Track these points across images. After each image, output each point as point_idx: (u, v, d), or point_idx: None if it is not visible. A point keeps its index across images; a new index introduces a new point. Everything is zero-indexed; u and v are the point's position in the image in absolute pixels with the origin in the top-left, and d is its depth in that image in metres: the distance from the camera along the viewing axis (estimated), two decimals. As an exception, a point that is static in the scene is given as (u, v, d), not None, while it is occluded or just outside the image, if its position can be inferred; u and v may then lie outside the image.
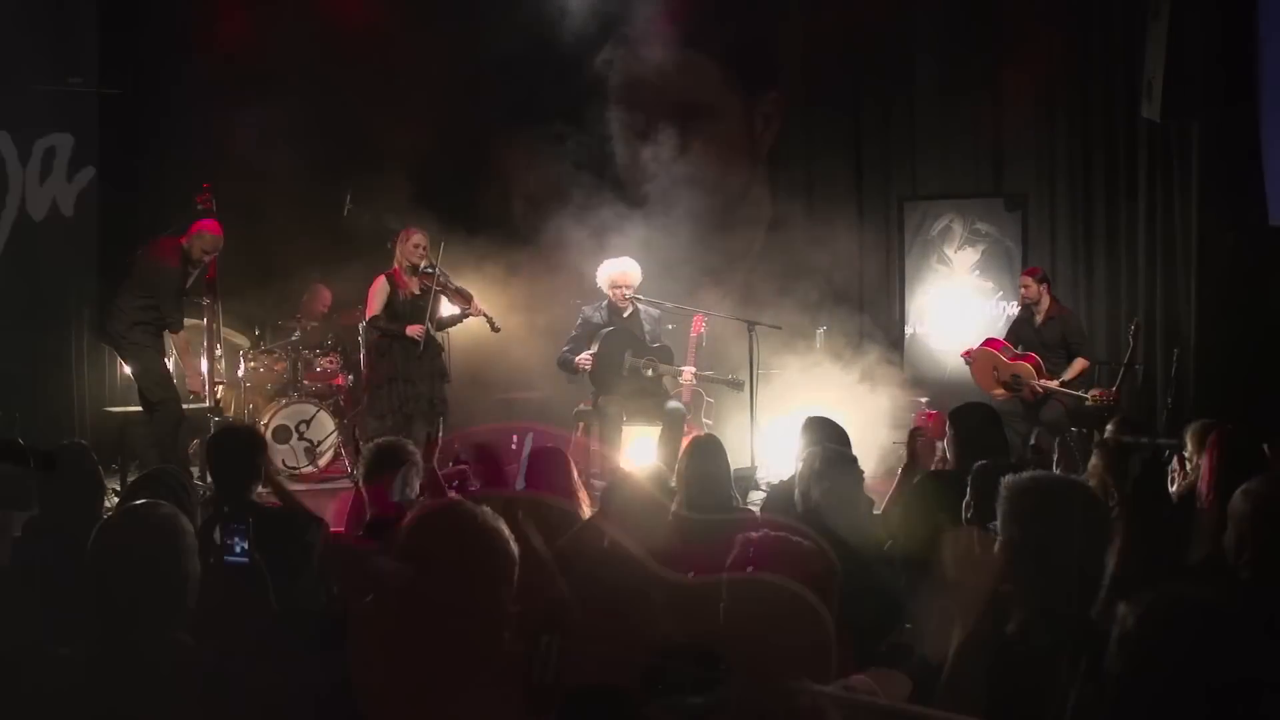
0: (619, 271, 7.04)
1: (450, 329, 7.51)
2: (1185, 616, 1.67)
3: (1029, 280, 7.72)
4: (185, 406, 7.78)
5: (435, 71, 8.29)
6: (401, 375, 7.01)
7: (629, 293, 7.06)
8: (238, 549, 2.41)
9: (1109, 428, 4.79)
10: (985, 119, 9.16)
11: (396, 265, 7.12)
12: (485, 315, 7.10)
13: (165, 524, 2.33)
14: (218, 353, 7.29)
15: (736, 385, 7.12)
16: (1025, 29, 8.92)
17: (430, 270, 7.04)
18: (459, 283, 7.29)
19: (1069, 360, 7.49)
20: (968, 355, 7.77)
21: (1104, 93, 8.52)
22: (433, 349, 7.15)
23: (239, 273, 8.05)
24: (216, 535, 2.46)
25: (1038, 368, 7.28)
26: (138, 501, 2.74)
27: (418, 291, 7.04)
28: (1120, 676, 1.68)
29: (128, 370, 7.02)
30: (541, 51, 8.39)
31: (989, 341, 7.76)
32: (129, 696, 2.15)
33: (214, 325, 7.24)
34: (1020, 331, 7.74)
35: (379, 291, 7.04)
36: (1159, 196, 8.22)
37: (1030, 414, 7.33)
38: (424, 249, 7.07)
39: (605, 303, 7.15)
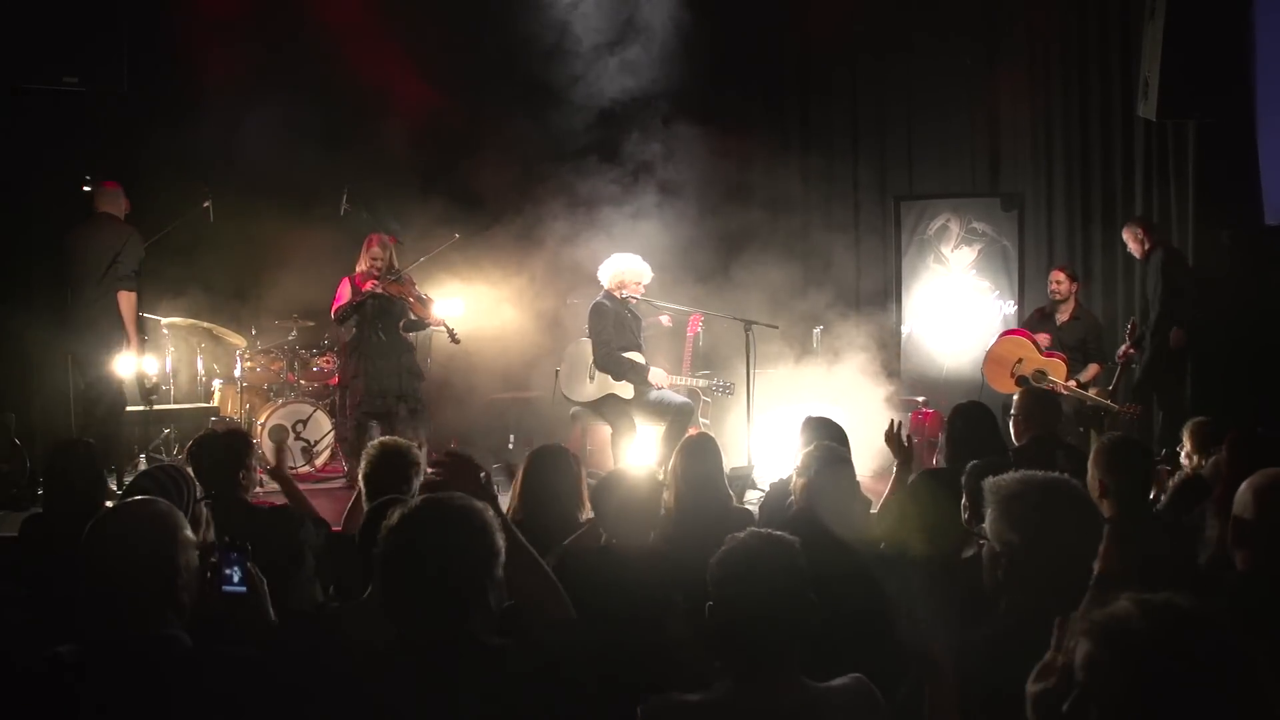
0: (639, 271, 6.85)
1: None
2: (1153, 618, 1.65)
3: (1062, 276, 7.69)
4: (182, 407, 7.82)
5: (432, 68, 8.31)
6: (364, 373, 7.04)
7: (641, 291, 6.92)
8: (235, 578, 2.38)
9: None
10: (982, 118, 9.18)
11: (359, 270, 7.13)
12: (445, 326, 7.02)
13: (159, 518, 2.32)
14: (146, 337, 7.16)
15: (726, 390, 7.02)
16: (1021, 28, 8.95)
17: (394, 278, 7.03)
18: (430, 289, 7.28)
19: (1084, 362, 7.48)
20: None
21: (1100, 92, 8.53)
22: (400, 347, 7.13)
23: (236, 272, 8.06)
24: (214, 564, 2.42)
25: (1068, 367, 7.26)
26: (133, 497, 2.74)
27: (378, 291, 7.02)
28: (1083, 682, 1.67)
29: (127, 371, 6.98)
30: (540, 46, 8.39)
31: (1018, 330, 7.74)
32: (123, 693, 2.15)
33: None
34: (1036, 328, 7.70)
35: (343, 293, 7.12)
36: (1155, 196, 8.23)
37: None
38: (381, 261, 7.04)
39: (605, 294, 6.92)
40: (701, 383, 7.13)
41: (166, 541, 2.28)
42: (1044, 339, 7.47)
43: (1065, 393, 7.10)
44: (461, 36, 8.53)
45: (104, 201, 6.80)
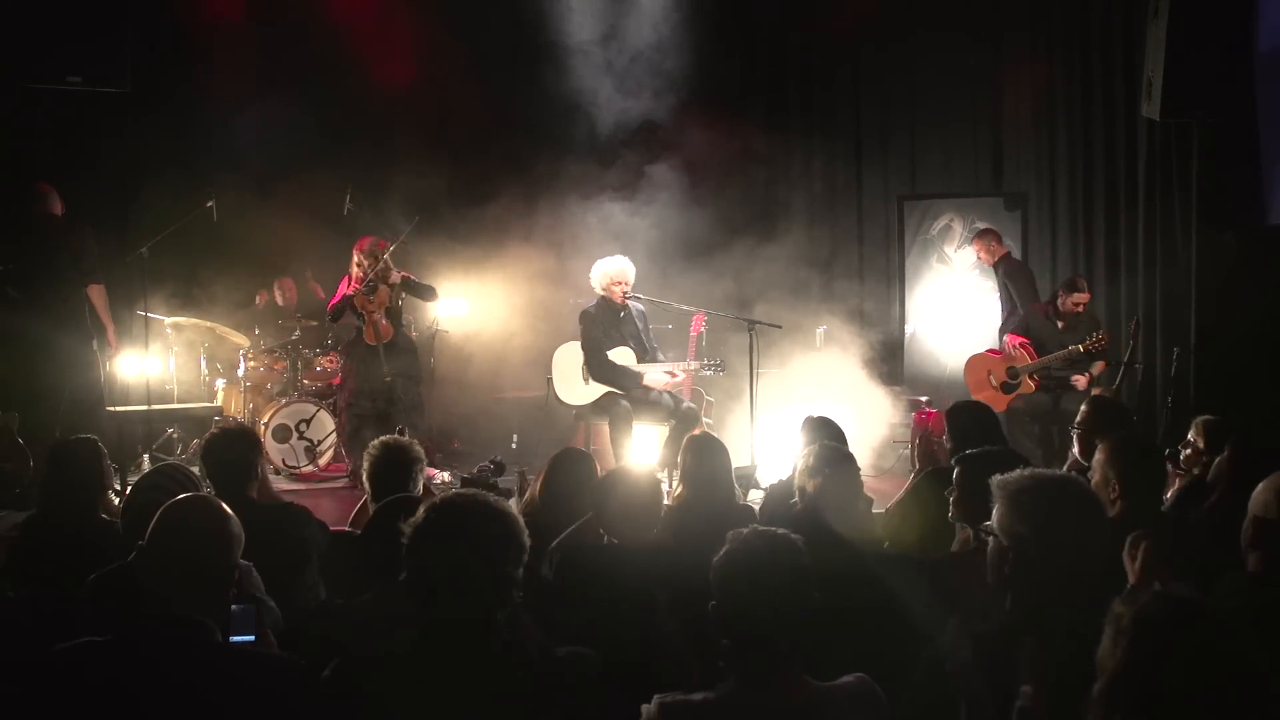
0: (617, 269, 6.86)
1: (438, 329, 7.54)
2: (1182, 614, 1.67)
3: (1088, 297, 7.44)
4: (186, 406, 7.82)
5: (433, 64, 8.31)
6: (356, 374, 7.06)
7: (628, 290, 6.92)
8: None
9: (1084, 407, 4.75)
10: (985, 118, 9.18)
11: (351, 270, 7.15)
12: (381, 343, 7.05)
13: (220, 513, 2.47)
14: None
15: (717, 369, 7.02)
16: (1025, 28, 8.95)
17: (368, 292, 7.00)
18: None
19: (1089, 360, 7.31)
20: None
21: (1104, 92, 8.51)
22: (397, 349, 7.13)
23: (239, 272, 8.07)
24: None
25: (1025, 349, 7.29)
26: (199, 493, 2.88)
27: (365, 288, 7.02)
28: (1112, 671, 1.68)
29: (130, 372, 6.97)
30: (539, 44, 8.39)
31: (979, 354, 7.79)
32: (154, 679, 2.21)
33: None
34: (1040, 323, 7.50)
35: (342, 290, 7.16)
36: (1158, 195, 8.20)
37: (1043, 411, 7.28)
38: (363, 269, 7.00)
39: (597, 301, 6.95)
40: (693, 365, 7.09)
41: (233, 539, 2.43)
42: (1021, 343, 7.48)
43: (1035, 378, 7.24)
44: (463, 29, 8.52)
45: (50, 205, 6.76)
